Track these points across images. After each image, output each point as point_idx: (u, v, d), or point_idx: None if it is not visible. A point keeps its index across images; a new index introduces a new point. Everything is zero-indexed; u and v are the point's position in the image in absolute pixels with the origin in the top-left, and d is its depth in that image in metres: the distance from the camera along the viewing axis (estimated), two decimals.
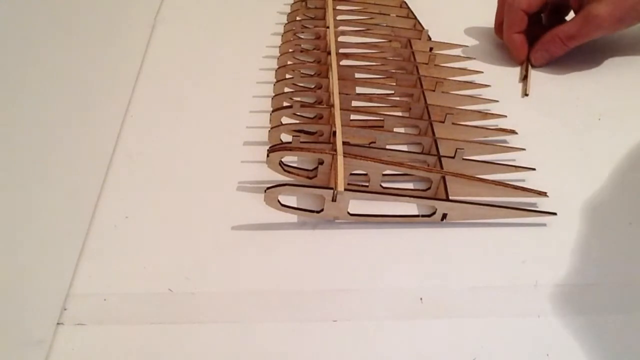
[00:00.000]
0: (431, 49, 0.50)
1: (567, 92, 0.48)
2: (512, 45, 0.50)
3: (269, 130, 0.40)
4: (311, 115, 0.43)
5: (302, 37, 0.52)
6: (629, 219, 0.38)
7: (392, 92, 0.45)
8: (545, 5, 0.48)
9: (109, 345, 0.31)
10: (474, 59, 0.50)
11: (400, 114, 0.44)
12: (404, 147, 0.42)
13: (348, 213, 0.36)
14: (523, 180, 0.39)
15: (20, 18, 0.56)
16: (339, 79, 0.42)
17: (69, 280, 0.33)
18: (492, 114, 0.44)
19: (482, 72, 0.48)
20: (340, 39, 0.50)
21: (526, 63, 0.50)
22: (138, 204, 0.38)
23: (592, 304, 0.33)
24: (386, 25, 0.52)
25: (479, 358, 0.30)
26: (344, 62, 0.46)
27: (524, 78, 0.48)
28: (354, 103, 0.43)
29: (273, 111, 0.41)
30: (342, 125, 0.38)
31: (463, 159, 0.38)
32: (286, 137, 0.40)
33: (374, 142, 0.40)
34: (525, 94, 0.47)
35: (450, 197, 0.36)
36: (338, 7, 0.53)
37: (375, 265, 0.35)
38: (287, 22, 0.52)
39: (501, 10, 0.50)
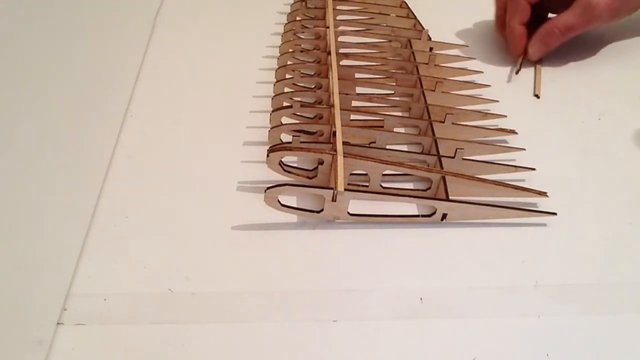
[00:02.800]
0: (431, 49, 0.50)
1: (567, 92, 0.48)
2: (511, 36, 0.49)
3: (269, 130, 0.40)
4: (311, 115, 0.43)
5: (302, 37, 0.52)
6: (629, 219, 0.38)
7: (392, 92, 0.45)
8: None
9: (109, 345, 0.31)
10: (474, 59, 0.50)
11: (400, 114, 0.44)
12: (404, 147, 0.42)
13: (348, 213, 0.36)
14: (523, 180, 0.39)
15: (20, 18, 0.56)
16: (339, 79, 0.42)
17: (69, 280, 0.33)
18: (492, 114, 0.44)
19: (482, 72, 0.48)
20: (340, 39, 0.50)
21: (522, 58, 0.49)
22: (138, 204, 0.38)
23: (592, 304, 0.33)
24: (386, 25, 0.52)
25: (479, 358, 0.30)
26: (344, 62, 0.46)
27: (517, 71, 0.48)
28: (354, 103, 0.43)
29: (273, 111, 0.41)
30: (342, 125, 0.38)
31: (463, 159, 0.38)
32: (286, 137, 0.40)
33: (374, 142, 0.40)
34: (536, 95, 0.47)
35: (450, 197, 0.36)
36: (338, 7, 0.53)
37: (375, 265, 0.35)
38: (287, 22, 0.52)
39: (501, 5, 0.50)
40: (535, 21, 0.49)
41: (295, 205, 0.37)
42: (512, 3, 0.48)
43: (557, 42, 0.48)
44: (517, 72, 0.48)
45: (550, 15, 0.51)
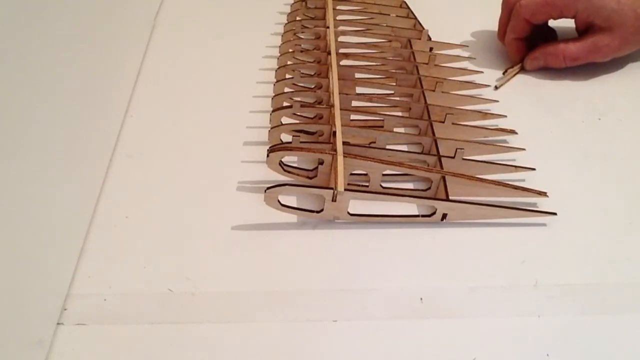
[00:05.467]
0: (431, 49, 0.50)
1: (567, 92, 0.48)
2: (509, 49, 0.50)
3: (269, 130, 0.40)
4: (311, 115, 0.43)
5: (302, 37, 0.52)
6: (629, 219, 0.38)
7: (392, 92, 0.45)
8: (549, 19, 0.48)
9: (109, 345, 0.31)
10: (474, 59, 0.50)
11: (400, 114, 0.44)
12: (404, 147, 0.42)
13: (348, 213, 0.36)
14: (523, 180, 0.39)
15: (19, 17, 0.56)
16: (339, 79, 0.42)
17: (69, 280, 0.33)
18: (492, 114, 0.44)
19: (482, 72, 0.48)
20: (340, 39, 0.50)
21: (519, 65, 0.50)
22: (138, 204, 0.38)
23: (592, 304, 0.33)
24: (386, 25, 0.52)
25: (479, 358, 0.30)
26: (344, 62, 0.46)
27: (505, 72, 0.49)
28: (354, 103, 0.43)
29: (273, 111, 0.41)
30: (342, 125, 0.38)
31: (463, 159, 0.38)
32: (286, 137, 0.40)
33: (374, 142, 0.40)
34: (495, 87, 0.48)
35: (450, 197, 0.36)
36: (338, 7, 0.53)
37: (375, 265, 0.35)
38: (287, 22, 0.52)
39: (504, 17, 0.50)
40: (538, 35, 0.49)
41: (295, 205, 0.37)
42: (514, 19, 0.48)
43: (556, 66, 0.48)
44: (503, 72, 0.49)
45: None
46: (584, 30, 0.47)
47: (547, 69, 0.49)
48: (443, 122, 0.41)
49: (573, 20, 0.48)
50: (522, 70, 0.50)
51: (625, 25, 0.45)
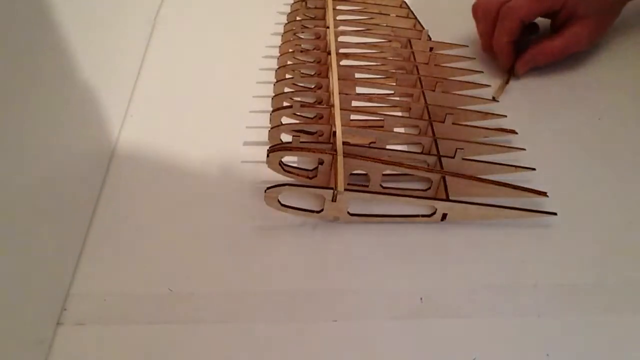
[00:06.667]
0: (431, 49, 0.50)
1: (567, 92, 0.48)
2: (504, 52, 0.49)
3: (269, 130, 0.40)
4: (311, 115, 0.43)
5: (302, 37, 0.52)
6: (629, 219, 0.38)
7: (392, 92, 0.45)
8: (540, 14, 0.48)
9: (109, 345, 0.31)
10: (474, 59, 0.50)
11: (400, 114, 0.44)
12: (404, 147, 0.42)
13: (348, 213, 0.36)
14: (523, 181, 0.39)
15: (19, 17, 0.56)
16: (339, 79, 0.42)
17: (69, 280, 0.33)
18: (492, 114, 0.44)
19: (482, 72, 0.48)
20: (340, 39, 0.50)
21: (509, 71, 0.49)
22: (138, 204, 0.38)
23: (592, 304, 0.33)
24: (386, 25, 0.52)
25: (479, 358, 0.30)
26: (344, 62, 0.46)
27: (506, 83, 0.48)
28: (354, 103, 0.43)
29: (273, 111, 0.41)
30: (342, 125, 0.38)
31: (463, 159, 0.38)
32: (286, 137, 0.40)
33: (374, 142, 0.40)
34: (494, 97, 0.47)
35: (450, 197, 0.36)
36: (338, 7, 0.53)
37: (375, 265, 0.35)
38: (287, 22, 0.52)
39: (487, 26, 0.50)
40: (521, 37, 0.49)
41: (295, 205, 0.37)
42: (505, 20, 0.48)
43: (546, 62, 0.49)
44: (502, 85, 0.48)
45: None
46: (561, 24, 0.48)
47: (547, 70, 0.49)
48: (443, 122, 0.41)
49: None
50: (513, 76, 0.49)
51: (602, 10, 0.48)
